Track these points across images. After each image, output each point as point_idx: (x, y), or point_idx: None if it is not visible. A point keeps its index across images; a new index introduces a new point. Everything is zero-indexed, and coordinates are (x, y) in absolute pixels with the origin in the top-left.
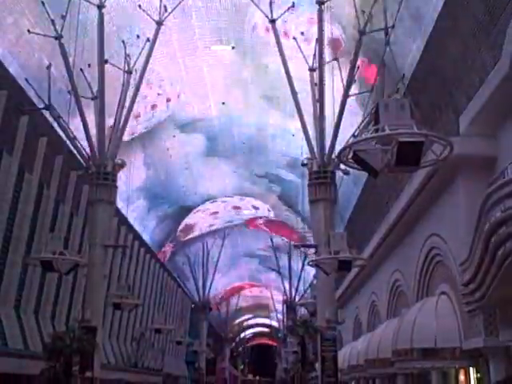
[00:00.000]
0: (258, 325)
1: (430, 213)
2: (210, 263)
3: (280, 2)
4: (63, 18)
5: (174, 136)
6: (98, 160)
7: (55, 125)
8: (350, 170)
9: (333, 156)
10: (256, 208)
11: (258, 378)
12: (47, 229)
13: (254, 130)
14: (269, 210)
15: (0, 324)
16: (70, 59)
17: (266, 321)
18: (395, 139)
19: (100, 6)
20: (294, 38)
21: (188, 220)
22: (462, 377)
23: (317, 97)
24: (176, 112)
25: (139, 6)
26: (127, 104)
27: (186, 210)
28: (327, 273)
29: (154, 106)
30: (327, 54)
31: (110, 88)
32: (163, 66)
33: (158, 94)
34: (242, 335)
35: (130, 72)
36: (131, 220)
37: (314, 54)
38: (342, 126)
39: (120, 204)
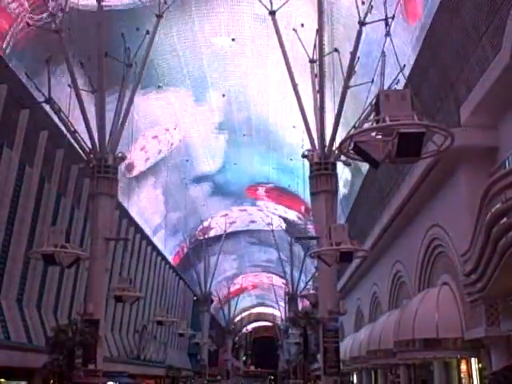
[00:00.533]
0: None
1: (431, 204)
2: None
3: None
4: (62, 11)
5: None
6: (99, 153)
7: (56, 118)
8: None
9: (334, 147)
10: None
11: (259, 369)
12: (49, 222)
13: None
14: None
15: (3, 317)
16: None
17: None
18: (396, 130)
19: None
20: (294, 30)
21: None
22: (463, 367)
23: (317, 88)
24: None
25: None
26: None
27: None
28: (329, 264)
29: None
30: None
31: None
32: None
33: None
34: (245, 329)
35: (129, 65)
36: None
37: (314, 45)
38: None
39: None
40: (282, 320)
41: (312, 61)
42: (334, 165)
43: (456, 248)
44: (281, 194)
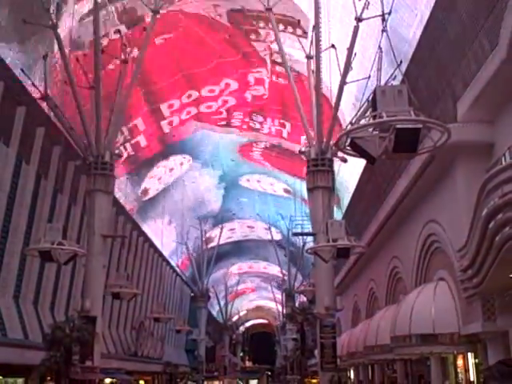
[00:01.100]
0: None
1: (427, 199)
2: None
3: None
4: (58, 7)
5: None
6: (96, 150)
7: (52, 115)
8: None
9: (330, 143)
10: None
11: (257, 365)
12: (45, 219)
13: None
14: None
15: None
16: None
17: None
18: (393, 126)
19: None
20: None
21: None
22: (460, 362)
23: (314, 84)
24: None
25: None
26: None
27: None
28: (326, 260)
29: None
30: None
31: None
32: None
33: None
34: (242, 325)
35: (126, 61)
36: None
37: (311, 42)
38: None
39: None
40: (278, 313)
41: (309, 57)
42: (331, 161)
43: (452, 243)
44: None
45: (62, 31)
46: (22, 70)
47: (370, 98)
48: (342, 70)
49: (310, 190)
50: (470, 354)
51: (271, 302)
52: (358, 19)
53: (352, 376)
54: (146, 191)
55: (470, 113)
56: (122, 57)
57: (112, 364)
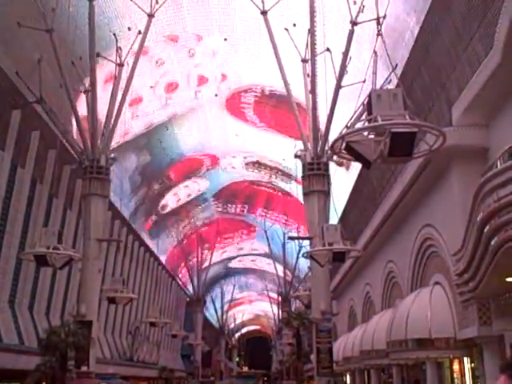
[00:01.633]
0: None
1: (423, 203)
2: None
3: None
4: (54, 11)
5: None
6: (91, 154)
7: (48, 119)
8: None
9: (326, 147)
10: None
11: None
12: (41, 223)
13: None
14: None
15: None
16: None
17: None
18: (388, 130)
19: None
20: (286, 29)
21: None
22: (456, 366)
23: (309, 88)
24: None
25: None
26: (119, 97)
27: None
28: (321, 264)
29: None
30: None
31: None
32: None
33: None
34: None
35: (121, 64)
36: None
37: (307, 45)
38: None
39: None
40: (274, 316)
41: (304, 60)
42: (327, 165)
43: (448, 248)
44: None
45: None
46: (17, 74)
47: (366, 102)
48: (337, 74)
49: (305, 194)
50: (466, 359)
51: (267, 304)
52: (353, 23)
53: (348, 381)
54: None
55: (464, 117)
56: (118, 60)
57: (108, 369)
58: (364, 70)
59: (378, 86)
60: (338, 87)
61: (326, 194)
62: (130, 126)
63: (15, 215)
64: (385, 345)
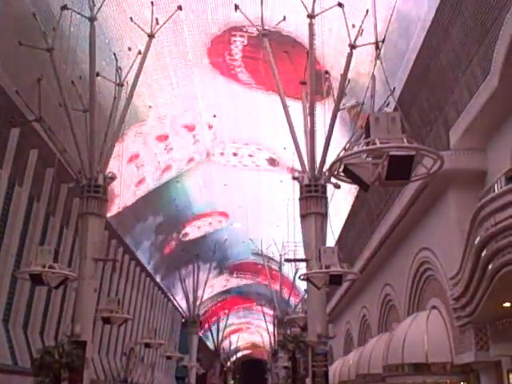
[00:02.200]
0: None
1: (420, 227)
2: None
3: (271, 16)
4: (54, 30)
5: None
6: (89, 173)
7: (46, 137)
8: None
9: (324, 169)
10: None
11: None
12: (37, 242)
13: None
14: None
15: None
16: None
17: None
18: (386, 153)
19: (91, 19)
20: (286, 52)
21: None
22: None
23: (308, 110)
24: None
25: (131, 18)
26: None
27: None
28: (318, 287)
29: None
30: None
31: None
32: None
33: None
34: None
35: (121, 85)
36: None
37: (305, 67)
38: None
39: None
40: (269, 338)
41: (303, 82)
42: (325, 187)
43: (445, 271)
44: None
45: None
46: (17, 92)
47: (364, 125)
48: (335, 96)
49: (302, 216)
50: None
51: (263, 325)
52: (352, 46)
53: None
54: None
55: (462, 140)
56: (117, 80)
57: None
58: (362, 93)
59: (376, 109)
60: (337, 110)
61: (324, 216)
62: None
63: (11, 233)
64: (381, 369)
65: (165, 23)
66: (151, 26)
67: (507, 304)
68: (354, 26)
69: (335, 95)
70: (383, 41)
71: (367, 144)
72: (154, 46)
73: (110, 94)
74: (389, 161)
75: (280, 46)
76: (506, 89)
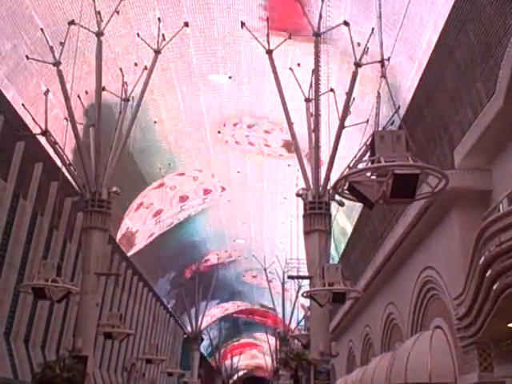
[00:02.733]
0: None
1: (424, 245)
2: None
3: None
4: (62, 44)
5: None
6: (93, 187)
7: (51, 151)
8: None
9: (328, 187)
10: None
11: None
12: (40, 256)
13: None
14: None
15: None
16: (68, 86)
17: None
18: (391, 171)
19: (98, 34)
20: (291, 69)
21: None
22: None
23: (312, 127)
24: None
25: (137, 34)
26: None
27: None
28: (321, 305)
29: None
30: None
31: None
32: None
33: None
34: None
35: (127, 100)
36: None
37: (310, 85)
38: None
39: None
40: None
41: (308, 100)
42: (328, 204)
43: (449, 291)
44: None
45: None
46: (23, 105)
47: (369, 143)
48: (340, 114)
49: (306, 233)
50: None
51: (264, 343)
52: (357, 64)
53: None
54: None
55: (467, 160)
56: (123, 95)
57: None
58: (367, 111)
59: (380, 127)
60: (341, 127)
61: (327, 233)
62: None
63: (15, 246)
64: None
65: (171, 39)
66: (157, 42)
67: None
68: (359, 44)
69: (340, 113)
70: (388, 59)
71: (372, 162)
72: (159, 61)
73: (116, 108)
74: (393, 179)
75: None
76: (511, 108)
